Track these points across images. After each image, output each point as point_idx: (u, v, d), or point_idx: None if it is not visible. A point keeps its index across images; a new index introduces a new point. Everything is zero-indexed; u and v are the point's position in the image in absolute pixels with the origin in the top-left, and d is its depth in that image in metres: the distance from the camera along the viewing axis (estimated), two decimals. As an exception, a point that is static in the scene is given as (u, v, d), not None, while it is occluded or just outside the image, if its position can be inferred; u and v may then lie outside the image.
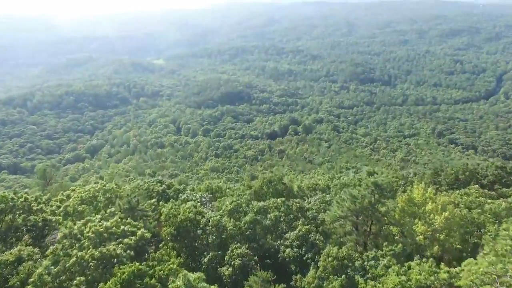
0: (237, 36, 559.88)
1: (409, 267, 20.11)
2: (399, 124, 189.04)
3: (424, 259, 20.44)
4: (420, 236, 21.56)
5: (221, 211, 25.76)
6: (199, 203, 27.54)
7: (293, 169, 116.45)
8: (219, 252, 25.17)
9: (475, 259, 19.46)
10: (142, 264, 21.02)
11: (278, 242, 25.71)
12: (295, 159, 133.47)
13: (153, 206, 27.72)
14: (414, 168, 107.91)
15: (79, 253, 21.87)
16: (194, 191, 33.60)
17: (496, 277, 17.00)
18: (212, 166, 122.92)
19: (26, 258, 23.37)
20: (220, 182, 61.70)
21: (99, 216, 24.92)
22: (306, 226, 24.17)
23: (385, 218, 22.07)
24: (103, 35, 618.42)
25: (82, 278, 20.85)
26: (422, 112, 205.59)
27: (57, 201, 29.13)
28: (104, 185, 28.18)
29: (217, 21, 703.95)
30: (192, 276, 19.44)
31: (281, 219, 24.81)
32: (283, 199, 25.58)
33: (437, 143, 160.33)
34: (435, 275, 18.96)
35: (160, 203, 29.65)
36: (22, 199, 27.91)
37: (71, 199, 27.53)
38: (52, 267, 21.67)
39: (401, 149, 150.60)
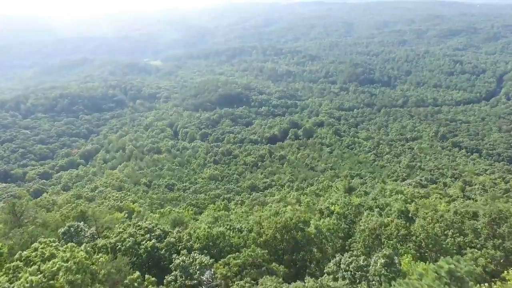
0: (235, 36, 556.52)
1: None
2: (400, 126, 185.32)
3: None
4: None
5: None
6: (197, 272, 22.51)
7: (295, 177, 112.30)
8: None
9: None
10: None
11: None
12: (296, 166, 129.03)
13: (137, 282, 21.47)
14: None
15: None
16: (191, 240, 28.31)
17: None
18: (210, 174, 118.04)
19: None
20: (221, 209, 57.27)
21: None
22: None
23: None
24: (100, 36, 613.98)
25: None
26: (423, 114, 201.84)
27: (8, 273, 20.47)
28: (68, 260, 19.71)
29: (214, 22, 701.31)
30: None
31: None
32: (312, 284, 19.93)
33: (441, 147, 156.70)
34: None
35: (147, 277, 23.02)
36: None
37: (20, 281, 18.21)
38: None
39: (404, 153, 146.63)
